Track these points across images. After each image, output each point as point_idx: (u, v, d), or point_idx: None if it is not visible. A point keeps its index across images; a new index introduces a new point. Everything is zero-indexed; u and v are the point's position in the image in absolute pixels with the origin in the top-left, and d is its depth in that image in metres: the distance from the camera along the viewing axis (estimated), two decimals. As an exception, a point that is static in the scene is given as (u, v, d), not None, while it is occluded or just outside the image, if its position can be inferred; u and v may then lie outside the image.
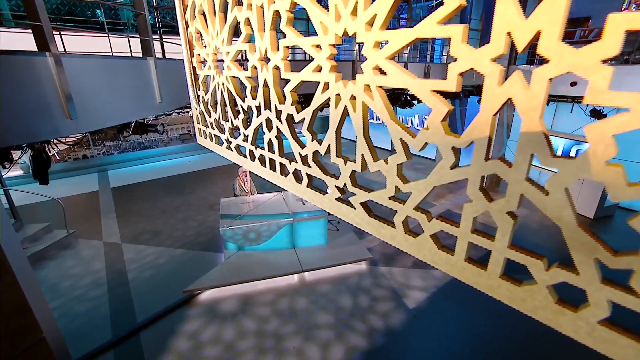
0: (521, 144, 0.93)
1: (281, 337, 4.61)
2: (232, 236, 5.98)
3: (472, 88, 8.40)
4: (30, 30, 2.36)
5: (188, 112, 15.06)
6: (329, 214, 6.42)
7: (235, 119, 2.14)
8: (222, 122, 2.35)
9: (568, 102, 8.29)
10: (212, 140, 2.66)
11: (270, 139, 1.89)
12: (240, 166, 6.98)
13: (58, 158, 11.65)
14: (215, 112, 2.42)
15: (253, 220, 6.06)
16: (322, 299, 5.30)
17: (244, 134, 2.13)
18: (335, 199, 1.62)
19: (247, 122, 2.09)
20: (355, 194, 1.50)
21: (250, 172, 7.05)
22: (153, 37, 3.48)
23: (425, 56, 10.32)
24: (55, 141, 4.18)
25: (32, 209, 8.82)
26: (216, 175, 11.43)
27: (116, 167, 12.42)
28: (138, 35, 3.40)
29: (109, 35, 3.77)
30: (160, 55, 4.31)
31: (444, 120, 1.07)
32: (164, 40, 4.62)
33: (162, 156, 13.55)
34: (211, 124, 2.54)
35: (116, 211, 8.74)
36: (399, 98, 7.48)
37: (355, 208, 1.52)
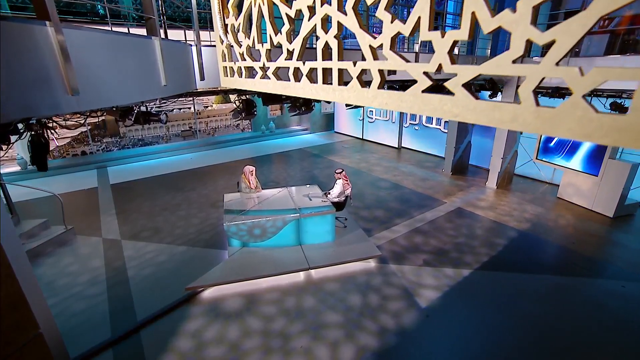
0: None
1: (288, 337, 4.41)
2: (236, 232, 5.79)
3: (484, 82, 8.23)
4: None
5: (190, 107, 14.91)
6: (337, 210, 6.23)
7: (276, 35, 1.89)
8: (258, 47, 2.13)
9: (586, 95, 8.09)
10: (241, 76, 2.43)
11: (326, 43, 1.64)
12: (247, 164, 6.83)
13: (57, 146, 11.39)
14: (249, 38, 2.18)
15: (258, 215, 5.87)
16: (330, 297, 5.11)
17: (288, 51, 1.87)
18: (422, 91, 1.32)
19: (291, 36, 1.85)
20: (455, 75, 1.20)
21: (255, 169, 6.87)
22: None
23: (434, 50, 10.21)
24: (54, 126, 4.01)
25: (30, 205, 8.61)
26: (218, 173, 11.24)
27: (116, 164, 12.21)
28: (137, 30, 3.23)
29: (111, 26, 3.60)
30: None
31: None
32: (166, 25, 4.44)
33: (163, 153, 13.34)
34: (241, 54, 2.31)
35: (115, 208, 8.53)
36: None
37: (454, 94, 1.22)
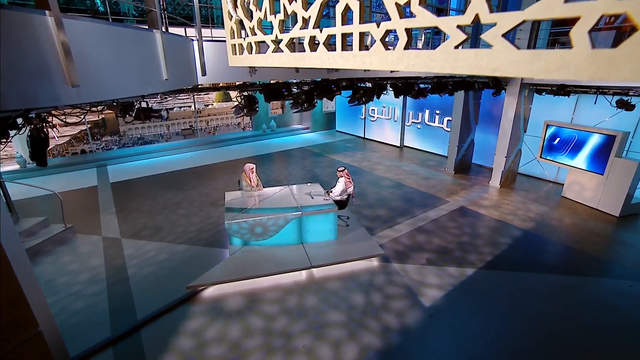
0: None
1: (290, 336, 4.36)
2: (238, 230, 5.73)
3: (487, 80, 8.17)
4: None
5: (190, 106, 14.86)
6: (339, 209, 6.18)
7: (291, 3, 1.82)
8: (271, 18, 2.06)
9: (591, 93, 7.98)
10: (251, 52, 2.35)
11: (346, 6, 1.57)
12: (248, 162, 6.77)
13: (57, 144, 11.31)
14: (261, 10, 2.11)
15: (260, 213, 5.81)
16: (333, 296, 5.05)
17: (304, 19, 1.82)
18: (455, 47, 1.23)
19: (307, 3, 1.78)
20: (494, 24, 1.11)
21: (255, 167, 6.81)
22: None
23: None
24: (55, 123, 3.95)
25: (29, 203, 8.55)
26: (219, 172, 11.18)
27: (116, 163, 12.16)
28: (138, 26, 3.17)
29: (111, 23, 3.55)
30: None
31: None
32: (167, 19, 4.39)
33: (163, 152, 13.27)
34: (252, 28, 2.24)
35: (115, 206, 8.47)
36: (412, 88, 7.25)
37: (492, 46, 1.12)
